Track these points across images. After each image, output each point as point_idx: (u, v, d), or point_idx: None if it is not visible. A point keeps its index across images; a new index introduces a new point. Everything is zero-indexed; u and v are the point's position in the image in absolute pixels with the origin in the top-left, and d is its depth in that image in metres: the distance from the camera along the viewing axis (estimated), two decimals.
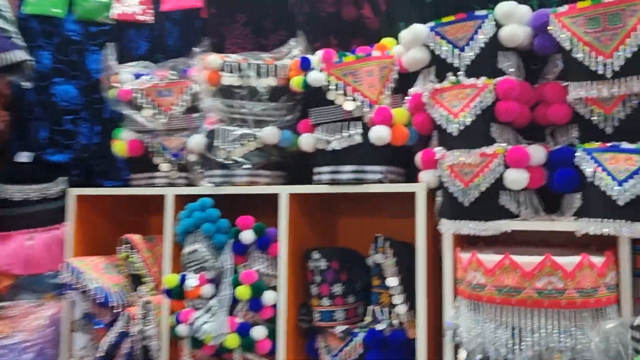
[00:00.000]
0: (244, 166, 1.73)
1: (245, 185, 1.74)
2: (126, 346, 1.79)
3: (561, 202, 1.44)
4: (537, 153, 1.40)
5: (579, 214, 1.35)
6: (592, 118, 1.36)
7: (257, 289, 1.63)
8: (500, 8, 1.42)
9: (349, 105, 1.57)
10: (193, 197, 1.78)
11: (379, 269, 1.61)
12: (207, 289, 1.71)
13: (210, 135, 1.78)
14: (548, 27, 1.37)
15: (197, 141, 1.81)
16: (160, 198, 1.86)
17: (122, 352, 1.79)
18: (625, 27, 1.25)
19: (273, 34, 1.96)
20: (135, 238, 1.89)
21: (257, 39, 1.99)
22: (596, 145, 1.33)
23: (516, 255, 1.28)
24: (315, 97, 1.65)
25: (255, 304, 1.63)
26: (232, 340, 1.61)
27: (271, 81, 1.74)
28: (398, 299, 1.57)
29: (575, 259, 1.25)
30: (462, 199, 1.42)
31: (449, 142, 1.45)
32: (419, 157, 1.54)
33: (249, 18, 1.98)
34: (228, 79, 1.73)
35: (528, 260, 1.26)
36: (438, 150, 1.48)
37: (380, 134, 1.53)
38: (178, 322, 1.68)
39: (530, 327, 1.26)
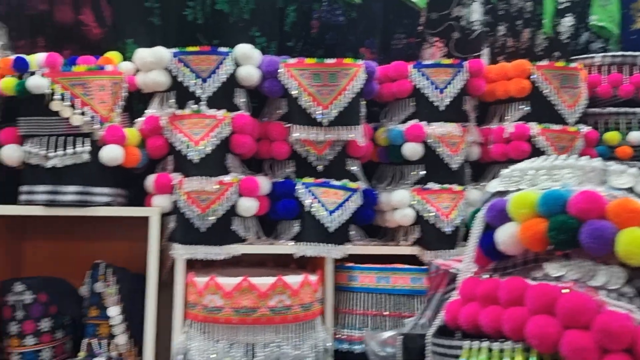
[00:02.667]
0: None
1: None
2: None
3: (277, 228, 1.63)
4: (264, 184, 1.56)
5: (297, 238, 1.56)
6: (307, 157, 1.60)
7: None
8: (239, 49, 1.53)
9: (77, 120, 1.42)
10: None
11: (97, 298, 1.49)
12: None
13: None
14: (278, 74, 1.55)
15: None
16: None
17: None
18: (340, 86, 1.54)
19: None
20: None
21: None
22: (311, 180, 1.58)
23: (253, 278, 1.40)
24: (29, 105, 1.43)
25: None
26: None
27: None
28: (119, 329, 1.49)
29: (299, 278, 1.45)
30: (199, 224, 1.47)
31: (188, 168, 1.47)
32: (152, 181, 1.50)
33: None
34: None
35: (263, 282, 1.40)
36: (175, 176, 1.49)
37: (113, 154, 1.44)
38: None
39: (263, 342, 1.39)
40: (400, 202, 1.58)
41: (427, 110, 1.62)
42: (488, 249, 0.86)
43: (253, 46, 1.56)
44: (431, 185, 1.59)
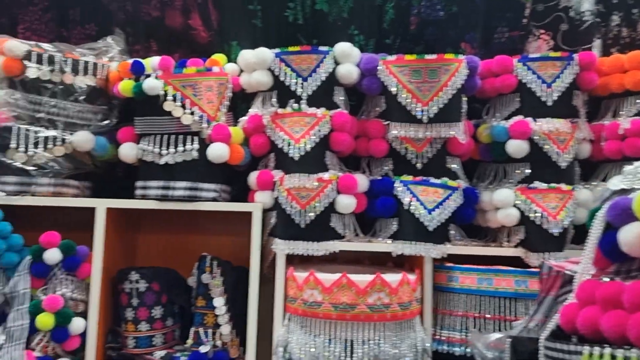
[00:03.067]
0: (50, 174, 1.50)
1: (50, 195, 1.51)
2: None
3: (374, 226, 1.63)
4: (363, 181, 1.57)
5: (395, 236, 1.55)
6: (406, 154, 1.58)
7: (63, 317, 1.42)
8: (338, 48, 1.55)
9: (187, 119, 1.50)
10: None
11: (204, 289, 1.56)
12: None
13: (1, 133, 1.49)
14: (377, 71, 1.55)
15: None
16: None
17: None
18: (440, 82, 1.51)
19: (80, 27, 1.75)
20: None
21: (58, 29, 1.74)
22: (410, 178, 1.56)
23: (352, 274, 1.41)
24: (144, 105, 1.53)
25: (59, 334, 1.41)
26: None
27: (89, 80, 1.55)
28: (223, 319, 1.55)
29: (398, 277, 1.44)
30: (299, 220, 1.50)
31: (289, 165, 1.51)
32: (254, 178, 1.56)
33: (52, 3, 1.72)
34: (35, 71, 1.48)
35: (362, 279, 1.40)
36: (276, 173, 1.53)
37: (219, 152, 1.51)
38: None
39: (361, 339, 1.39)
40: (504, 202, 1.52)
41: (533, 106, 1.55)
42: (609, 250, 0.81)
43: (352, 44, 1.57)
44: (537, 184, 1.52)
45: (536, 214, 1.50)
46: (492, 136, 1.58)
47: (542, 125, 1.52)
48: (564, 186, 1.52)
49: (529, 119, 1.53)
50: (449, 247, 1.54)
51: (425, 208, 1.52)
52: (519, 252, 1.53)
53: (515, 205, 1.52)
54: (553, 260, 1.03)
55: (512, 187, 1.55)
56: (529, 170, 1.55)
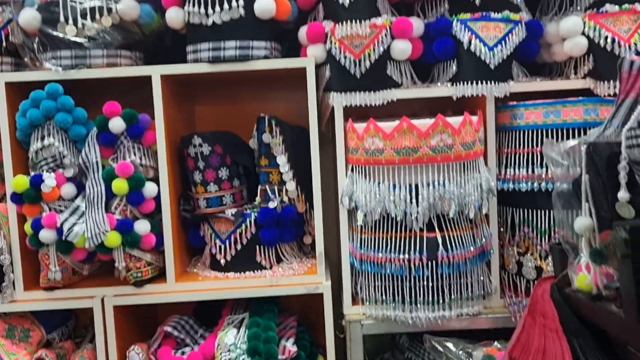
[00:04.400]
0: (102, 45, 1.50)
1: (104, 67, 1.52)
2: None
3: (432, 71, 1.58)
4: (418, 24, 1.49)
5: (454, 79, 1.50)
6: None
7: (136, 181, 1.48)
8: None
9: None
10: (31, 85, 1.49)
11: (265, 149, 1.59)
12: (67, 189, 1.49)
13: (48, 8, 1.48)
14: None
15: (28, 16, 1.49)
16: None
17: None
18: None
19: None
20: None
21: None
22: (468, 15, 1.47)
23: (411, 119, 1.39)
24: None
25: (134, 197, 1.49)
26: (113, 238, 1.45)
27: None
28: (287, 176, 1.59)
29: (460, 118, 1.40)
30: (354, 70, 1.46)
31: (339, 13, 1.45)
32: (304, 32, 1.51)
33: None
34: None
35: (422, 122, 1.38)
36: (327, 24, 1.48)
37: (266, 7, 1.46)
38: (39, 228, 1.45)
39: (425, 182, 1.40)
40: (571, 30, 1.43)
41: None
42: None
43: None
44: (608, 7, 1.41)
45: (606, 40, 1.40)
46: None
47: None
48: (638, 6, 1.40)
49: None
50: (512, 85, 1.48)
51: (485, 45, 1.45)
52: (587, 83, 1.46)
53: (583, 33, 1.43)
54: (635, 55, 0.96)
55: (580, 14, 1.44)
56: None
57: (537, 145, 1.42)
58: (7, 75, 1.52)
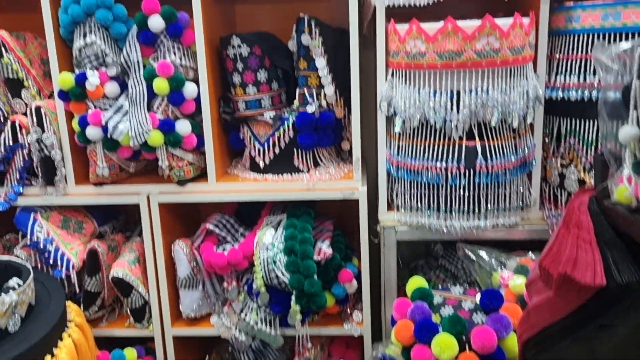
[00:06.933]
0: None
1: None
2: (20, 158, 1.58)
3: None
4: None
5: None
6: None
7: (177, 82, 1.49)
8: None
9: None
10: None
11: (304, 51, 1.55)
12: (111, 87, 1.52)
13: None
14: None
15: None
16: None
17: (18, 166, 1.58)
18: None
19: None
20: (3, 35, 1.56)
21: None
22: None
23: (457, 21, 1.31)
24: None
25: (175, 97, 1.50)
26: (156, 138, 1.49)
27: None
28: (326, 80, 1.56)
29: (509, 20, 1.32)
30: None
31: None
32: None
33: None
34: None
35: (469, 24, 1.30)
36: None
37: None
38: (85, 125, 1.50)
39: (468, 88, 1.35)
40: None
41: None
42: None
43: None
44: None
45: None
46: None
47: None
48: None
49: None
50: None
51: None
52: None
53: None
54: None
55: None
56: None
57: (591, 52, 1.32)
58: None
